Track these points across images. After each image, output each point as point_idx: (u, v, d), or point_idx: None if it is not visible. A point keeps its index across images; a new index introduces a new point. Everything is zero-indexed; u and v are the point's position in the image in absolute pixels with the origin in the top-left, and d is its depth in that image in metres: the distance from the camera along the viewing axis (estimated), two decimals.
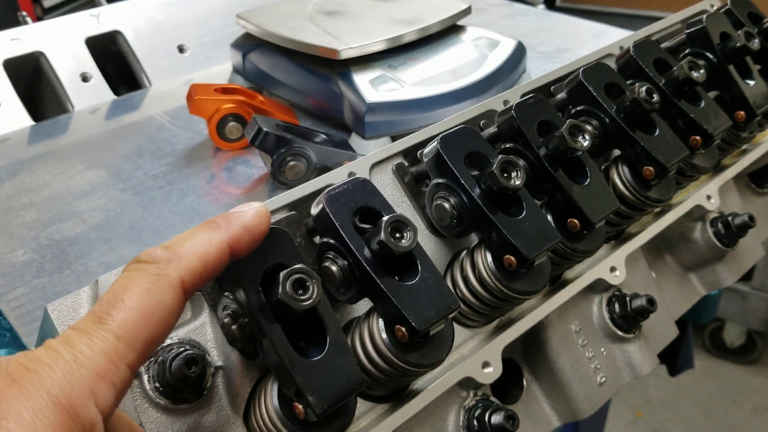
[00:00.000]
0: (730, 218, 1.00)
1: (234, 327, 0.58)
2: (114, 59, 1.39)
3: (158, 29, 1.39)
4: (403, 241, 0.61)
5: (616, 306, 0.86)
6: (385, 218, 0.61)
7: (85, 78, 1.28)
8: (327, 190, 0.65)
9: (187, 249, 0.51)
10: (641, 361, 0.86)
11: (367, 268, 0.61)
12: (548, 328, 0.84)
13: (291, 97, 1.22)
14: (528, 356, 0.86)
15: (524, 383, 0.86)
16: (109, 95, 1.29)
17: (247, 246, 0.55)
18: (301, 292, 0.55)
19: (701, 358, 3.87)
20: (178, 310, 0.49)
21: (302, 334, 0.58)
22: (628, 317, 0.85)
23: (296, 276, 0.55)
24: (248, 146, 1.12)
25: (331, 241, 0.64)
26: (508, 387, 0.88)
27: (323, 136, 1.04)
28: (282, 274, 0.54)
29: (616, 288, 0.87)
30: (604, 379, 0.85)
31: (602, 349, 0.86)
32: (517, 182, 0.68)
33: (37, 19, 1.41)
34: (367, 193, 0.66)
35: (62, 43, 1.29)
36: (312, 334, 0.59)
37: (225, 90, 1.11)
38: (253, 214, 0.55)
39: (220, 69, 1.38)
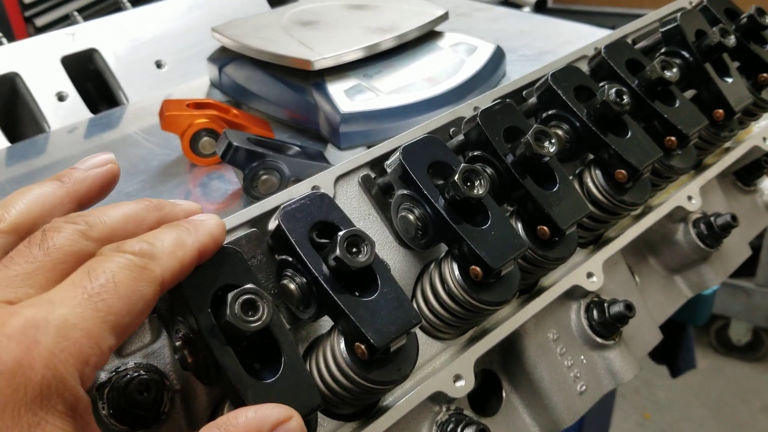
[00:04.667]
0: (712, 219, 0.98)
1: (186, 351, 0.57)
2: (92, 77, 1.38)
3: (135, 45, 1.38)
4: (360, 256, 0.59)
5: (595, 312, 0.84)
6: (341, 233, 0.59)
7: (61, 97, 1.28)
8: (283, 205, 0.64)
9: (167, 249, 0.51)
10: (622, 368, 0.84)
11: (324, 285, 0.60)
12: (525, 338, 0.82)
13: (267, 110, 1.21)
14: (506, 366, 0.84)
15: (503, 394, 0.84)
16: (86, 114, 1.28)
17: (209, 255, 0.55)
18: (251, 313, 0.53)
19: (708, 357, 3.83)
20: (152, 308, 0.50)
21: (256, 355, 0.57)
22: (607, 324, 0.83)
23: (245, 297, 0.53)
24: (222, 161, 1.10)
25: (289, 258, 0.62)
26: (488, 398, 0.86)
27: (297, 148, 1.02)
28: (230, 295, 0.53)
29: (594, 294, 0.85)
30: (584, 387, 0.83)
31: (582, 357, 0.84)
32: (480, 191, 0.67)
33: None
34: (324, 208, 0.64)
35: (38, 62, 1.28)
36: (267, 356, 0.57)
37: (198, 105, 1.09)
38: (215, 223, 0.56)
39: (198, 83, 1.37)
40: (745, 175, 1.15)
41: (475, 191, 0.67)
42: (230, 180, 1.07)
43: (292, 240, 0.61)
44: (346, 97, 1.09)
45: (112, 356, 0.62)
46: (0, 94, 1.25)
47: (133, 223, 0.54)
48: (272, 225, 0.64)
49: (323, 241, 0.63)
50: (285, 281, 0.62)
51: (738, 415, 3.54)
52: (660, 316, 1.00)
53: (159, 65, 1.38)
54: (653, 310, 0.98)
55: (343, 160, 0.75)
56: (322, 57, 1.11)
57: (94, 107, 1.32)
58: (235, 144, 0.95)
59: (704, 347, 3.87)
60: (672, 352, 2.11)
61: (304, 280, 0.62)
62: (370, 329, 0.58)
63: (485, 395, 0.86)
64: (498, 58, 1.23)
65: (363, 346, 0.59)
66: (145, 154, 1.15)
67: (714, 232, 0.97)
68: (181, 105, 1.08)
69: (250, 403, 0.53)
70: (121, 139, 1.20)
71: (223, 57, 1.27)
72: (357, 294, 0.61)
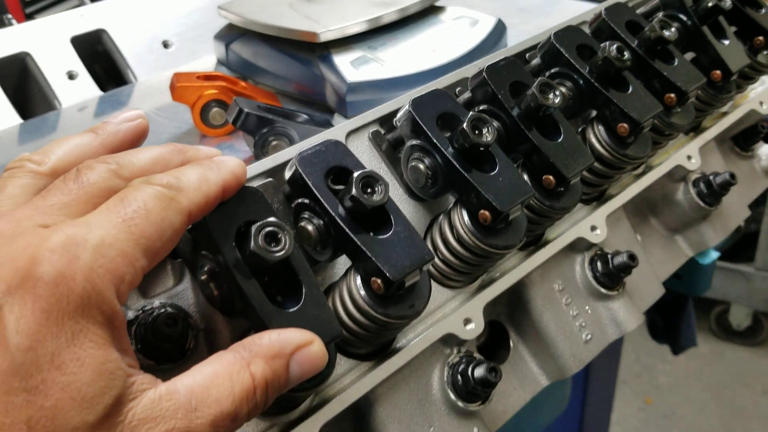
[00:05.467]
0: (711, 177, 1.00)
1: (212, 284, 0.59)
2: (100, 58, 1.40)
3: (142, 26, 1.40)
4: (374, 195, 0.62)
5: (599, 264, 0.87)
6: (356, 174, 0.62)
7: (71, 76, 1.30)
8: (300, 152, 0.66)
9: (193, 183, 0.54)
10: (626, 318, 0.87)
11: (341, 224, 0.62)
12: (531, 288, 0.85)
13: (275, 84, 1.24)
14: (513, 318, 0.87)
15: (511, 344, 0.87)
16: (95, 92, 1.31)
17: (232, 192, 0.58)
18: (273, 244, 0.56)
19: (708, 342, 3.86)
20: (179, 238, 0.53)
21: (279, 289, 0.59)
22: (611, 274, 0.86)
23: (268, 229, 0.56)
24: (233, 132, 1.13)
25: (306, 200, 0.65)
26: (495, 350, 0.89)
27: (305, 116, 1.05)
28: (254, 227, 0.55)
29: (597, 247, 0.88)
30: (589, 336, 0.86)
31: (586, 307, 0.87)
32: (488, 138, 0.69)
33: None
34: (339, 154, 0.67)
35: (48, 42, 1.30)
36: (288, 290, 0.60)
37: (207, 77, 1.12)
38: (237, 163, 0.59)
39: (205, 62, 1.39)
40: (742, 140, 1.18)
41: (484, 138, 0.69)
42: (240, 149, 1.09)
43: (309, 182, 0.64)
44: (351, 67, 1.12)
45: (138, 297, 0.65)
46: (12, 73, 1.27)
47: (160, 165, 0.57)
48: (289, 171, 0.66)
49: (338, 187, 0.65)
50: (303, 223, 0.65)
51: (739, 398, 3.57)
52: (662, 273, 1.02)
53: (166, 45, 1.41)
54: (655, 267, 1.00)
55: None
56: (327, 29, 1.14)
57: (102, 88, 1.35)
58: (246, 110, 0.97)
59: (705, 332, 3.90)
60: (673, 329, 2.13)
61: (321, 221, 0.64)
62: (386, 264, 0.61)
63: (494, 347, 0.89)
64: (500, 30, 1.26)
65: (379, 281, 0.62)
66: (156, 127, 1.17)
67: (713, 191, 1.00)
68: (191, 77, 1.11)
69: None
70: None
71: (230, 34, 1.30)
72: (372, 233, 0.63)
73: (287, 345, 0.53)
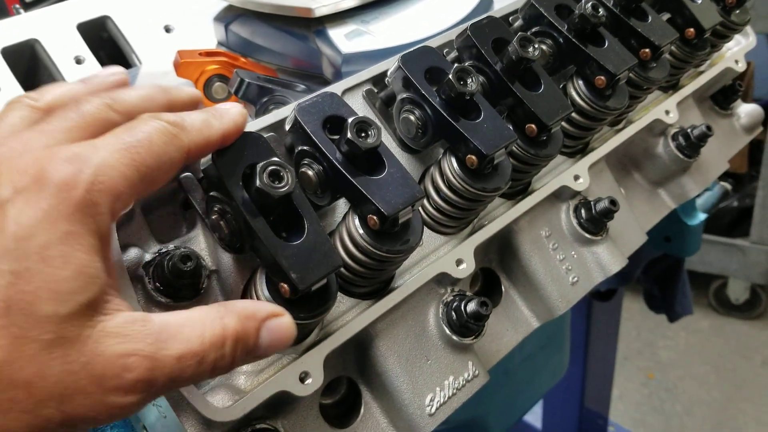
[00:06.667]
0: (689, 130, 1.06)
1: (222, 222, 0.65)
2: (105, 46, 1.46)
3: (145, 12, 1.46)
4: (368, 139, 0.68)
5: (582, 211, 0.92)
6: (350, 119, 0.67)
7: (78, 61, 1.36)
8: (298, 103, 0.72)
9: (196, 125, 0.59)
10: (610, 261, 0.93)
11: (339, 167, 0.68)
12: (520, 234, 0.90)
13: (274, 60, 1.29)
14: (504, 264, 0.93)
15: (502, 289, 0.92)
16: None
17: (233, 139, 0.64)
18: (277, 181, 0.61)
19: (708, 317, 3.92)
20: (176, 172, 0.58)
21: (283, 227, 0.65)
22: (594, 220, 0.91)
23: (271, 168, 0.61)
24: None
25: (306, 148, 0.70)
26: (489, 296, 0.94)
27: (303, 86, 1.10)
28: (258, 166, 0.61)
29: (581, 195, 0.94)
30: (576, 279, 0.92)
31: (572, 252, 0.93)
32: (473, 87, 0.75)
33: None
34: (335, 104, 0.73)
35: (55, 29, 1.36)
36: (292, 226, 0.65)
37: (209, 53, 1.18)
38: (238, 112, 0.64)
39: (205, 44, 1.44)
40: (721, 98, 1.23)
41: (468, 87, 0.75)
42: None
43: (308, 130, 0.69)
44: (346, 40, 1.17)
45: (154, 242, 0.70)
46: (22, 59, 1.33)
47: (148, 101, 0.61)
48: (289, 121, 0.72)
49: (335, 137, 0.71)
50: (303, 169, 0.71)
51: (739, 371, 3.63)
52: (646, 224, 1.08)
53: (168, 30, 1.47)
54: (639, 219, 1.06)
55: None
56: (321, 5, 1.19)
57: None
58: (247, 80, 1.03)
59: (704, 307, 3.96)
60: (668, 297, 2.19)
61: (321, 167, 0.70)
62: (381, 201, 0.67)
63: (486, 293, 0.94)
64: (487, 1, 1.31)
65: (375, 217, 0.67)
66: None
67: (691, 143, 1.05)
68: (194, 54, 1.16)
69: (281, 260, 0.61)
70: None
71: (228, 15, 1.35)
72: (367, 175, 0.69)
73: (261, 310, 0.58)
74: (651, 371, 3.69)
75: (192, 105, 0.66)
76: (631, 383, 3.62)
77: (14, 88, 1.28)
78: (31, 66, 1.35)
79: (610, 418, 2.74)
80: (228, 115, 0.63)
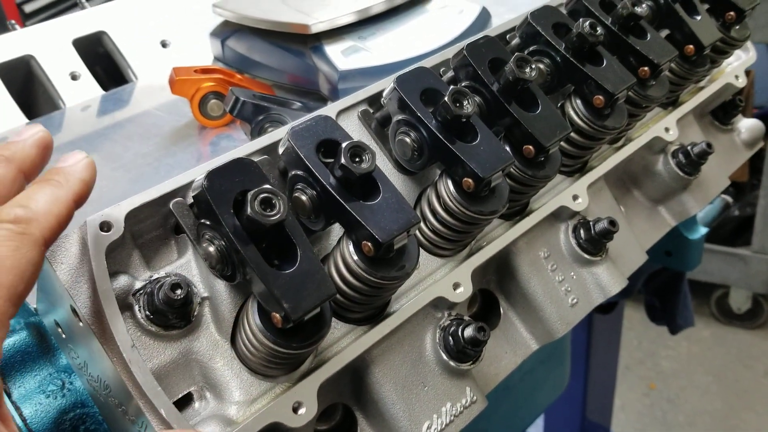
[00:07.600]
0: (689, 147, 1.05)
1: (212, 249, 0.64)
2: (101, 61, 1.45)
3: (141, 27, 1.45)
4: (362, 164, 0.67)
5: (581, 231, 0.91)
6: (344, 144, 0.66)
7: (74, 77, 1.35)
8: (292, 126, 0.71)
9: (42, 208, 0.54)
10: (610, 282, 0.91)
11: (333, 192, 0.67)
12: (518, 256, 0.89)
13: (270, 76, 1.28)
14: (503, 285, 0.91)
15: (501, 311, 0.91)
16: (98, 91, 1.35)
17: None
18: (268, 209, 0.60)
19: (710, 326, 3.90)
20: (41, 265, 0.53)
21: (275, 254, 0.64)
22: (593, 240, 0.90)
23: (263, 195, 0.60)
24: (231, 122, 1.17)
25: (299, 172, 0.69)
26: (487, 319, 0.93)
27: (299, 104, 1.09)
28: (250, 194, 0.60)
29: (580, 216, 0.93)
30: (575, 300, 0.90)
31: (571, 273, 0.91)
32: (469, 109, 0.74)
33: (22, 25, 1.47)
34: (328, 128, 0.72)
35: (51, 45, 1.35)
36: (284, 254, 0.64)
37: (204, 70, 1.17)
38: (84, 167, 0.60)
39: (201, 60, 1.43)
40: (721, 114, 1.22)
41: (464, 110, 0.74)
42: (238, 138, 1.14)
43: (301, 154, 0.68)
44: (342, 56, 1.16)
45: (145, 269, 0.69)
46: (17, 75, 1.32)
47: None
48: (282, 145, 0.71)
49: (329, 160, 0.70)
50: (297, 194, 0.69)
51: (742, 380, 3.60)
52: (646, 242, 1.06)
53: (164, 45, 1.46)
54: (639, 237, 1.04)
55: None
56: (318, 21, 1.19)
57: (104, 87, 1.39)
58: (242, 98, 1.02)
59: (706, 317, 3.94)
60: (670, 310, 2.17)
61: (314, 191, 0.69)
62: (375, 227, 0.66)
63: (485, 316, 0.93)
64: (484, 17, 1.30)
65: (369, 244, 0.66)
66: (157, 120, 1.22)
67: (691, 160, 1.04)
68: (189, 71, 1.15)
69: (273, 289, 0.60)
70: (134, 111, 1.27)
71: (225, 30, 1.35)
72: (362, 201, 0.68)
73: None
74: (653, 381, 3.67)
75: (42, 156, 0.60)
76: (633, 393, 3.60)
77: (9, 105, 1.28)
78: (26, 82, 1.34)
79: (612, 429, 2.72)
80: (73, 174, 0.58)
